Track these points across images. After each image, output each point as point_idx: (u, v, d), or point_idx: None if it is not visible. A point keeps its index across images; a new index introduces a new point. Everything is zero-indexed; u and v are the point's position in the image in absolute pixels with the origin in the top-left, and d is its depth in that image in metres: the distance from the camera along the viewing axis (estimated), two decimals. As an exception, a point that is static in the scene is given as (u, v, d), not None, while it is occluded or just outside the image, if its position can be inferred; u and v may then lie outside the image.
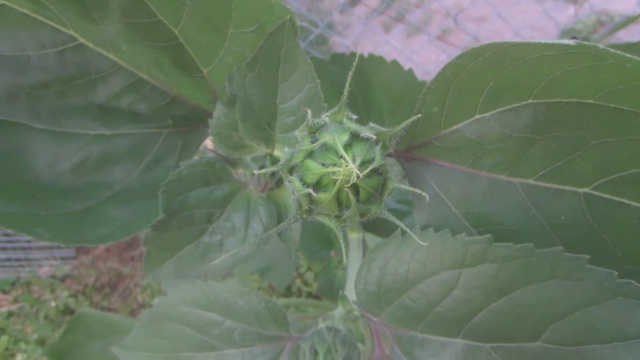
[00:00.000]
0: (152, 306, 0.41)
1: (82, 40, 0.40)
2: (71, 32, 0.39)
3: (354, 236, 0.61)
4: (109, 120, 0.42)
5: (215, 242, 0.42)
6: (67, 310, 1.84)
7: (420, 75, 0.61)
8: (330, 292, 1.03)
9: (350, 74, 0.29)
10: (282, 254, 0.98)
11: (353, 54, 0.56)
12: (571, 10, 2.34)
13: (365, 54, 0.60)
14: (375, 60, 0.58)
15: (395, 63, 0.57)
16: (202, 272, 0.42)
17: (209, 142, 0.46)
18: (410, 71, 0.57)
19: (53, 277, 1.93)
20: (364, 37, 2.37)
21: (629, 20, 1.47)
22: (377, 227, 0.65)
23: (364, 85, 0.60)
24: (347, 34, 2.38)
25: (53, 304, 1.85)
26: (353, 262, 0.52)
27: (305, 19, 2.00)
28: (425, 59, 2.21)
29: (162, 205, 0.39)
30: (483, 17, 2.18)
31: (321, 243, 1.02)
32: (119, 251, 1.94)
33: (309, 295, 1.68)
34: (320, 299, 1.29)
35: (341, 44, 2.27)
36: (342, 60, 0.58)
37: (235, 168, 0.42)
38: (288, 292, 1.71)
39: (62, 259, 1.95)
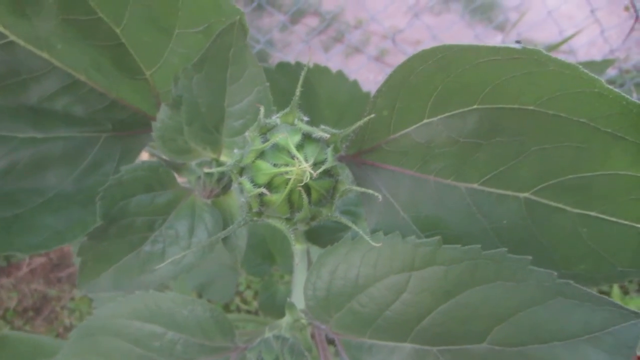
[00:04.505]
0: (87, 319, 0.38)
1: (12, 37, 0.37)
2: (0, 29, 0.36)
3: (298, 247, 0.60)
4: (41, 122, 0.39)
5: (157, 251, 0.40)
6: (-16, 337, 1.68)
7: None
8: (272, 307, 1.01)
9: (302, 74, 0.29)
10: (221, 270, 0.95)
11: (298, 64, 0.56)
12: (498, 38, 2.49)
13: (311, 65, 0.60)
14: (320, 71, 0.58)
15: (340, 73, 0.58)
16: (142, 284, 0.40)
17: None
18: (355, 82, 0.58)
19: (-32, 300, 1.76)
20: (304, 56, 2.39)
21: (550, 48, 1.59)
22: (321, 238, 0.64)
23: (309, 96, 0.60)
24: (287, 52, 2.39)
25: (-32, 330, 1.69)
26: (299, 271, 0.51)
27: (246, 35, 1.99)
28: (363, 79, 2.26)
29: (100, 211, 0.36)
30: (419, 40, 2.27)
31: (262, 258, 1.00)
32: (45, 272, 1.80)
33: (249, 313, 1.64)
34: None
35: (282, 60, 2.28)
36: (287, 70, 0.58)
37: (179, 174, 0.41)
38: (226, 310, 1.67)
39: (-21, 281, 1.79)
